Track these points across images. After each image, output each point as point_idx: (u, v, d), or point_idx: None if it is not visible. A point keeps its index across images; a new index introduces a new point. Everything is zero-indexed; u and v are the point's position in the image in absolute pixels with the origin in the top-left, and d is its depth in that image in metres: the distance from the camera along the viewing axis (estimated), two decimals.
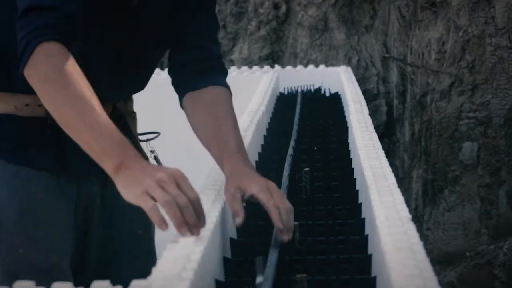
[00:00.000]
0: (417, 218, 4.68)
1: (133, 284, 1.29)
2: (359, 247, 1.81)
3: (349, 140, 2.82)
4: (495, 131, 4.43)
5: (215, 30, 2.09)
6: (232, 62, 5.67)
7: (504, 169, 4.42)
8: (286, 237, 1.70)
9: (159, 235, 1.76)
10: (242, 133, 2.63)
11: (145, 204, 1.49)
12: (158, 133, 2.13)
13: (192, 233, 1.51)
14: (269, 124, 3.33)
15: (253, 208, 1.82)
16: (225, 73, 2.06)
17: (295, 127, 3.11)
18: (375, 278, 1.59)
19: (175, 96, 2.03)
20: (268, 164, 2.61)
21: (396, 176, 2.14)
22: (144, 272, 1.91)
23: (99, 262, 1.99)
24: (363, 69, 5.30)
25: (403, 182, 4.95)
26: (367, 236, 1.83)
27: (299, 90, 4.20)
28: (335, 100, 3.92)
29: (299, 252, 1.74)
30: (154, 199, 1.49)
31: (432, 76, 4.70)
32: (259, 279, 1.48)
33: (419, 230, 4.32)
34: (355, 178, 2.32)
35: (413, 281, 1.27)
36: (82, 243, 1.95)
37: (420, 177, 4.77)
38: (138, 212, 1.98)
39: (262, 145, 2.90)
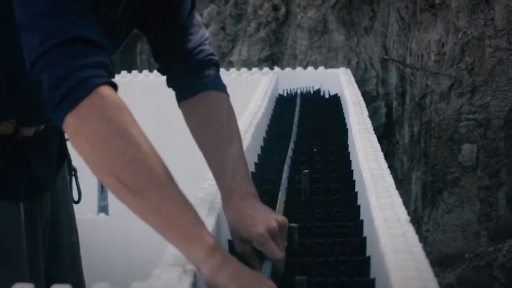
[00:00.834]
0: (416, 220, 4.68)
1: (134, 286, 1.29)
2: (358, 249, 1.81)
3: (349, 142, 2.83)
4: (494, 133, 4.43)
5: (193, 8, 1.87)
6: (231, 64, 5.68)
7: (503, 171, 4.42)
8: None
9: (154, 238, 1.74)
10: (241, 135, 2.64)
11: None
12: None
13: None
14: (269, 125, 3.34)
15: None
16: (213, 63, 1.91)
17: (295, 129, 3.11)
18: (374, 280, 1.60)
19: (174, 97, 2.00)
20: (267, 166, 2.62)
21: (395, 178, 2.15)
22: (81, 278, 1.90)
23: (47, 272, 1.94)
24: (363, 71, 5.31)
25: (402, 183, 4.95)
26: (365, 238, 1.83)
27: (299, 91, 4.21)
28: (335, 101, 3.92)
29: (298, 254, 1.75)
30: None
31: (432, 78, 4.71)
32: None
33: (418, 232, 4.32)
34: (354, 180, 2.32)
35: (412, 283, 1.27)
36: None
37: (419, 178, 4.77)
38: (71, 220, 1.98)
39: (261, 146, 2.90)
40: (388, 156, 5.06)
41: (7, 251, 1.70)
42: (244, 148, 2.44)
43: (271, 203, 1.90)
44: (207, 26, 5.86)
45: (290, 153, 2.65)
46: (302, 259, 1.71)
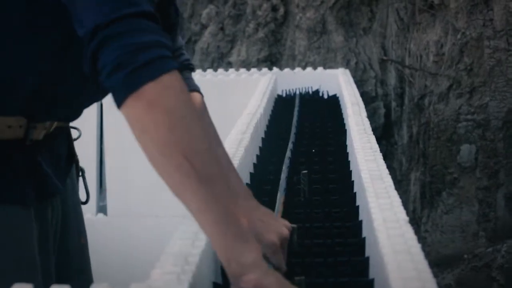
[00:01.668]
0: (415, 221, 4.68)
1: (132, 287, 1.29)
2: (357, 250, 1.81)
3: (347, 143, 2.83)
4: (493, 133, 4.43)
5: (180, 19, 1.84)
6: (230, 64, 5.67)
7: (502, 171, 4.42)
8: None
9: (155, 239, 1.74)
10: (240, 136, 2.65)
11: None
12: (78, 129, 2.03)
13: None
14: (267, 126, 3.34)
15: None
16: (191, 68, 1.92)
17: (293, 130, 3.11)
18: (373, 280, 1.60)
19: None
20: (266, 167, 2.62)
21: (394, 178, 2.15)
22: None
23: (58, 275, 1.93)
24: (361, 72, 5.31)
25: (401, 184, 4.95)
26: (364, 238, 1.83)
27: (297, 92, 4.21)
28: (333, 102, 3.92)
29: (297, 255, 1.75)
30: None
31: (430, 78, 4.71)
32: None
33: (417, 232, 4.31)
34: (353, 181, 2.32)
35: (411, 283, 1.27)
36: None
37: (418, 179, 4.78)
38: (80, 222, 1.96)
39: (260, 147, 2.90)
40: (387, 156, 5.06)
41: (20, 257, 1.68)
42: (243, 149, 2.45)
43: (270, 204, 1.90)
44: (205, 26, 5.86)
45: (288, 153, 2.65)
46: (301, 259, 1.71)
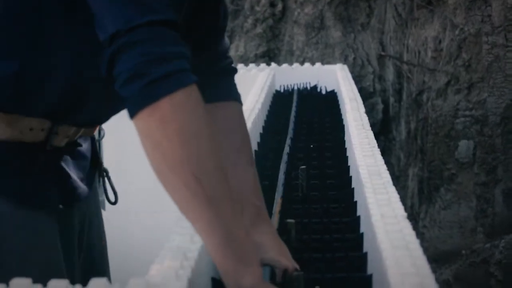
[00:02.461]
0: (413, 216, 4.68)
1: (131, 282, 1.29)
2: (355, 245, 1.81)
3: (345, 138, 2.83)
4: (491, 129, 4.43)
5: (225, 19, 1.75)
6: None
7: (500, 167, 4.42)
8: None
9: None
10: None
11: None
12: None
13: None
14: (265, 121, 3.33)
15: None
16: (234, 71, 1.87)
17: (291, 125, 3.11)
18: (371, 276, 1.60)
19: None
20: (264, 162, 2.62)
21: (392, 174, 2.15)
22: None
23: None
24: (359, 67, 5.30)
25: (399, 180, 4.95)
26: (362, 234, 1.83)
27: (295, 88, 4.21)
28: (331, 98, 3.92)
29: (295, 250, 1.75)
30: None
31: (428, 74, 4.71)
32: None
33: (415, 228, 4.32)
34: (351, 176, 2.32)
35: (409, 279, 1.27)
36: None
37: (416, 175, 4.78)
38: (101, 224, 1.93)
39: (258, 142, 2.90)
40: (385, 152, 5.06)
41: (46, 262, 1.65)
42: None
43: (268, 200, 1.90)
44: None
45: (286, 149, 2.65)
46: (299, 255, 1.71)
